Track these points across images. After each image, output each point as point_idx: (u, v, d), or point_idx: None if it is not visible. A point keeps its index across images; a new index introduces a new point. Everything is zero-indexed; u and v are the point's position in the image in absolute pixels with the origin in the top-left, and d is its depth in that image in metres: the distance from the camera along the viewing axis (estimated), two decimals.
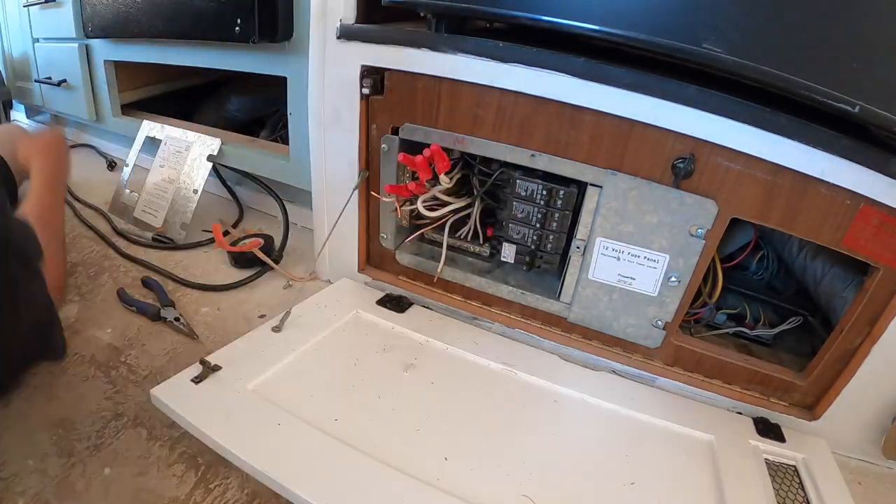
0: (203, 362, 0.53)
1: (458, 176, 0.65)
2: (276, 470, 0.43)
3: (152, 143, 1.03)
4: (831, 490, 0.50)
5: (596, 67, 0.50)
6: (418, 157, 0.58)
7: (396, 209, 0.67)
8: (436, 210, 0.65)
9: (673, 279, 0.56)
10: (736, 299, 0.67)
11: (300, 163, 0.88)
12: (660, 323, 0.59)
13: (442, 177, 0.59)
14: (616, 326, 0.62)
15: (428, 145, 0.59)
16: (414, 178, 0.63)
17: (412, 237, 0.71)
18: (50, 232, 0.64)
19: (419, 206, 0.63)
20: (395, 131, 0.63)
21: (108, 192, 1.05)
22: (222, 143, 0.96)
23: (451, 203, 0.66)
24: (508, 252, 0.65)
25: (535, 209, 0.61)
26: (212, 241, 0.91)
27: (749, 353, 0.61)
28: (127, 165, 1.04)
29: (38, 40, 1.24)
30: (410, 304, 0.69)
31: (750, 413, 0.59)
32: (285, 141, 0.96)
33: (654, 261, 0.56)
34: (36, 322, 0.54)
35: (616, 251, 0.58)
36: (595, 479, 0.48)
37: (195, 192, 0.93)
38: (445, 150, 0.59)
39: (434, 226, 0.70)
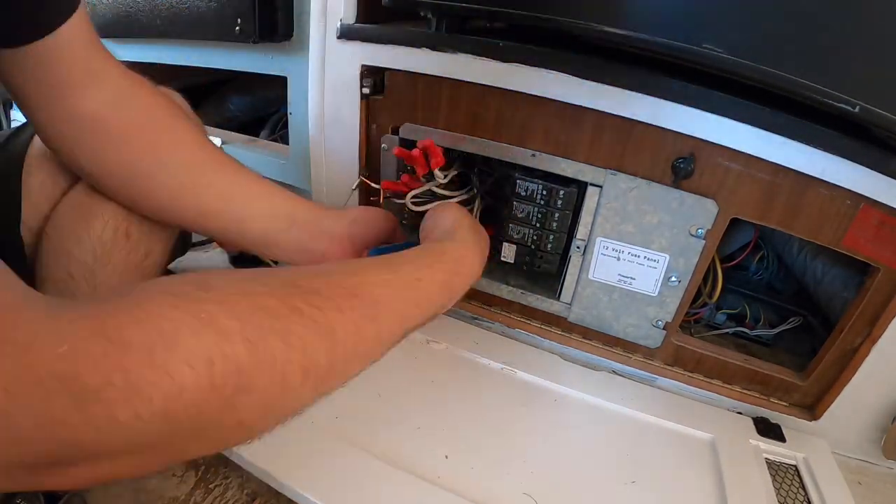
0: None
1: (454, 173, 0.65)
2: (276, 467, 0.43)
3: None
4: (832, 490, 0.50)
5: (596, 67, 0.50)
6: (414, 151, 0.58)
7: (380, 196, 0.65)
8: (425, 206, 0.64)
9: (673, 279, 0.56)
10: (736, 299, 0.67)
11: (300, 163, 0.88)
12: (660, 323, 0.59)
13: (436, 172, 0.59)
14: (616, 326, 0.62)
15: None
16: (408, 171, 0.62)
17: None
18: None
19: (407, 201, 0.62)
20: (396, 131, 0.63)
21: None
22: (222, 143, 0.96)
23: (446, 198, 0.65)
24: (508, 252, 0.65)
25: (535, 209, 0.61)
26: (211, 240, 0.91)
27: (749, 353, 0.61)
28: None
29: None
30: None
31: (750, 413, 0.59)
32: (285, 141, 0.96)
33: (654, 261, 0.56)
34: None
35: (616, 251, 0.58)
36: (596, 477, 0.48)
37: None
38: (446, 149, 0.59)
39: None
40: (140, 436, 0.23)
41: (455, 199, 0.67)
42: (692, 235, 0.54)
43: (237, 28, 0.78)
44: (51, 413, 0.21)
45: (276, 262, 0.82)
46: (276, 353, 0.27)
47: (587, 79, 0.51)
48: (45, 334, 0.22)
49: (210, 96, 1.24)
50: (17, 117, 1.47)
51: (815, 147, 0.46)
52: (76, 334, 0.22)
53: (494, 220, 0.70)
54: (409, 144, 0.62)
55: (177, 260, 0.81)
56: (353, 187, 0.68)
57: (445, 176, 0.62)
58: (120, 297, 0.25)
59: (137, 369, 0.23)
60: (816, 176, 0.47)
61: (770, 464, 0.53)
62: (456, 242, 0.46)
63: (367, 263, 0.38)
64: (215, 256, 0.89)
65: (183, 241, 0.74)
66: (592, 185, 0.56)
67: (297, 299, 0.29)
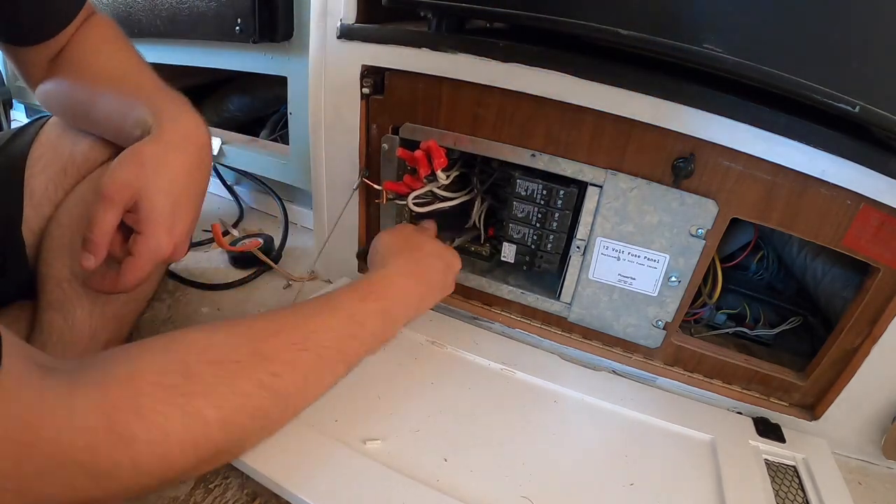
0: None
1: (455, 174, 0.65)
2: (274, 470, 0.43)
3: None
4: (831, 490, 0.50)
5: (596, 67, 0.50)
6: (417, 152, 0.58)
7: (382, 197, 0.65)
8: (426, 206, 0.65)
9: (673, 279, 0.56)
10: (736, 299, 0.67)
11: (300, 163, 0.88)
12: (660, 323, 0.59)
13: (439, 173, 0.59)
14: (616, 326, 0.62)
15: None
16: (409, 171, 0.62)
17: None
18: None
19: (409, 202, 0.62)
20: (396, 131, 0.63)
21: None
22: (222, 143, 0.96)
23: (447, 199, 0.66)
24: (508, 252, 0.65)
25: (535, 209, 0.61)
26: (211, 240, 0.91)
27: (749, 353, 0.61)
28: None
29: None
30: None
31: (750, 413, 0.59)
32: (285, 141, 0.96)
33: (655, 261, 0.56)
34: None
35: (616, 251, 0.58)
36: (595, 479, 0.48)
37: None
38: (446, 149, 0.59)
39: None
40: (139, 492, 0.32)
41: (456, 200, 0.67)
42: (692, 235, 0.54)
43: (237, 28, 0.78)
44: (73, 487, 0.29)
45: (276, 263, 0.82)
46: (245, 427, 0.36)
47: (587, 79, 0.51)
48: (67, 430, 0.28)
49: (210, 96, 1.24)
50: (18, 117, 1.47)
51: (815, 147, 0.46)
52: (91, 430, 0.29)
53: (495, 221, 0.70)
54: (409, 144, 0.62)
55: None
56: (355, 187, 0.68)
57: (448, 177, 0.62)
58: (120, 386, 0.31)
59: (140, 458, 0.30)
60: (816, 176, 0.47)
61: (769, 464, 0.53)
62: (385, 269, 0.51)
63: (310, 311, 0.44)
64: (215, 256, 0.89)
65: None
66: (592, 185, 0.56)
67: (262, 372, 0.37)
